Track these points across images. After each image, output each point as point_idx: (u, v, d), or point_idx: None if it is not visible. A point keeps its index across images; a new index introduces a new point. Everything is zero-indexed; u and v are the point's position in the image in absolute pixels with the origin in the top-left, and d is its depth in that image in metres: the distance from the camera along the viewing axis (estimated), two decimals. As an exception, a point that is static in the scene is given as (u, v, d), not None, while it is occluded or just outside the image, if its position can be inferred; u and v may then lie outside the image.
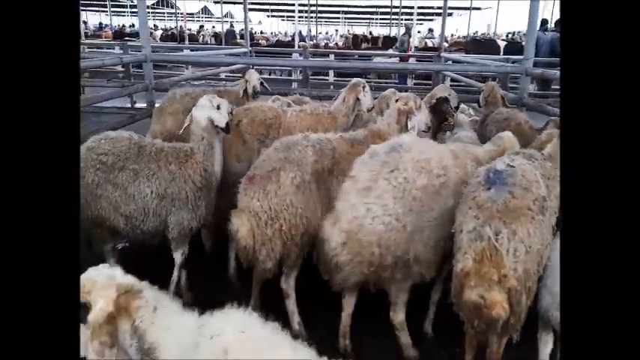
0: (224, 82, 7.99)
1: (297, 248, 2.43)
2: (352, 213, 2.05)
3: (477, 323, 1.89)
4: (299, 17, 32.41)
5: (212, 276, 3.02)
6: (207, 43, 20.56)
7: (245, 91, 4.16)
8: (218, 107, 2.57)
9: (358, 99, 3.10)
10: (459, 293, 1.88)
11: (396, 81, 12.58)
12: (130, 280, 1.23)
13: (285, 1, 25.59)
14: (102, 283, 1.18)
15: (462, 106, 3.95)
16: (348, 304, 2.36)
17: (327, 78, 12.49)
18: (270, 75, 11.33)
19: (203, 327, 1.13)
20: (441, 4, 23.40)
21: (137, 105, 6.99)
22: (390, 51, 14.99)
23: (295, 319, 2.56)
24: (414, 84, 10.66)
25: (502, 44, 13.86)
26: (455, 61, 8.11)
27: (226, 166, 2.72)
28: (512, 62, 6.99)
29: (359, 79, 3.21)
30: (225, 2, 21.81)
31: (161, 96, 4.24)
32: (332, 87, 11.90)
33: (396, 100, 2.74)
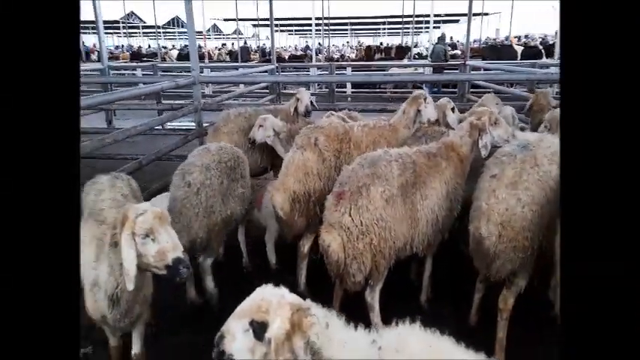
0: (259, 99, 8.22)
1: (386, 261, 2.50)
2: (503, 205, 2.27)
3: None
4: (308, 30, 32.92)
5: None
6: (223, 61, 21.03)
7: (295, 109, 4.31)
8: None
9: (419, 111, 3.19)
10: None
11: (411, 91, 12.68)
12: (297, 298, 1.32)
13: (294, 15, 26.11)
14: (277, 303, 1.26)
15: (508, 108, 3.99)
16: None
17: (344, 90, 12.70)
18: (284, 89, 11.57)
19: (377, 342, 1.20)
20: (449, 10, 23.32)
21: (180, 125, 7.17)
22: (405, 61, 15.17)
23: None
24: (434, 92, 10.75)
25: (519, 49, 13.89)
26: (485, 69, 8.16)
27: (310, 185, 2.82)
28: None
29: (420, 91, 3.29)
30: (242, 20, 22.29)
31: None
32: (349, 99, 12.13)
33: (466, 113, 2.82)
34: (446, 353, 1.14)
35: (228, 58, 21.58)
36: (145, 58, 19.88)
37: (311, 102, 4.22)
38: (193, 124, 5.75)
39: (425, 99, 3.21)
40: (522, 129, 4.01)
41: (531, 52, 13.65)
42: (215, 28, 38.41)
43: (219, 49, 25.10)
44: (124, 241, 1.79)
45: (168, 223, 1.87)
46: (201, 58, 19.60)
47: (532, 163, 2.34)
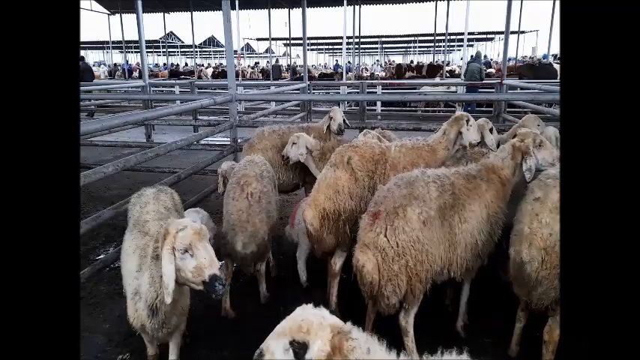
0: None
1: (422, 285, 2.42)
2: (547, 230, 2.21)
3: None
4: (338, 49, 33.42)
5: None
6: (257, 79, 21.68)
7: (328, 127, 4.34)
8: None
9: (460, 132, 3.12)
10: None
11: (444, 108, 12.53)
12: (338, 320, 1.29)
13: (324, 34, 26.68)
14: (317, 324, 1.24)
15: (551, 129, 3.84)
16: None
17: (374, 108, 12.73)
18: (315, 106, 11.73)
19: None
20: (483, 28, 23.01)
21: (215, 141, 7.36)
22: (437, 79, 15.05)
23: (415, 357, 2.52)
24: (468, 111, 10.56)
25: (558, 68, 13.47)
26: (522, 88, 7.95)
27: (341, 204, 2.81)
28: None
29: (462, 112, 3.22)
30: (275, 39, 23.00)
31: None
32: (379, 117, 12.12)
33: (514, 136, 2.74)
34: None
35: (261, 76, 22.25)
36: (182, 76, 20.81)
37: (344, 120, 4.24)
38: (227, 139, 5.91)
39: (467, 120, 3.14)
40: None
41: (570, 71, 13.13)
42: (248, 47, 39.80)
43: (253, 68, 25.95)
44: (165, 255, 1.84)
45: (206, 240, 1.91)
46: (236, 76, 20.29)
47: None
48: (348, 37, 15.13)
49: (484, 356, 1.21)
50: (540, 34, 24.51)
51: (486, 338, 2.84)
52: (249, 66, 27.68)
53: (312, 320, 1.26)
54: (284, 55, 36.31)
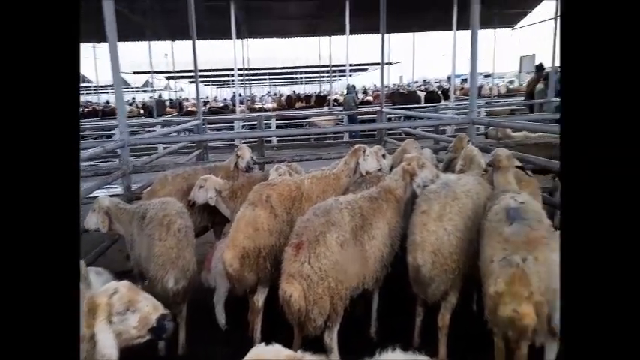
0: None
1: (342, 302, 2.68)
2: (433, 237, 2.66)
3: (510, 334, 2.32)
4: (225, 81, 33.20)
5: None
6: (136, 115, 20.22)
7: (236, 165, 4.41)
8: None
9: (358, 162, 3.54)
10: (494, 311, 2.30)
11: (333, 135, 13.65)
12: (290, 351, 1.41)
13: (210, 66, 26.49)
14: None
15: (427, 151, 4.59)
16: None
17: (270, 139, 13.07)
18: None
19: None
20: (359, 61, 25.63)
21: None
22: (326, 109, 16.23)
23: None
24: (353, 136, 11.66)
25: (422, 94, 15.85)
26: (407, 117, 9.10)
27: (261, 241, 2.93)
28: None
29: (361, 145, 3.66)
30: (156, 72, 21.92)
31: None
32: (275, 148, 12.53)
33: (401, 161, 3.23)
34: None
35: (142, 112, 20.88)
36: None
37: (252, 157, 4.37)
38: (119, 188, 5.43)
39: (364, 151, 3.58)
40: (436, 167, 4.63)
41: (432, 97, 15.70)
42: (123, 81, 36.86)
43: (131, 104, 24.14)
44: (102, 328, 1.74)
45: (139, 290, 1.87)
46: (111, 114, 18.40)
47: (453, 197, 2.83)
48: (238, 69, 15.37)
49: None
50: (404, 65, 28.37)
51: (393, 336, 3.17)
52: (133, 99, 25.66)
53: (267, 358, 1.36)
54: (165, 88, 34.66)
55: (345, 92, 14.09)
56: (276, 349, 1.41)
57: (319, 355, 1.46)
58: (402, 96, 15.85)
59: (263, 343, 1.45)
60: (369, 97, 18.94)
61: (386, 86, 23.95)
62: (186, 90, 38.92)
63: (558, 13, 10.35)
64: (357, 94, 16.06)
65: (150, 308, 1.84)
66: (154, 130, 9.57)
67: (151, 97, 26.66)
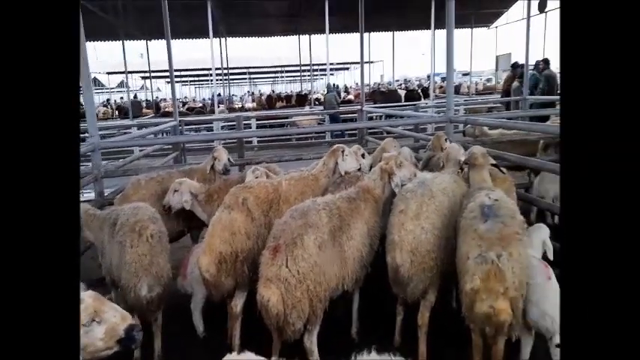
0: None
1: (322, 304, 2.64)
2: (411, 236, 2.66)
3: (487, 329, 2.34)
4: (204, 80, 32.67)
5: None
6: (111, 117, 19.68)
7: (212, 167, 4.31)
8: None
9: (337, 163, 3.52)
10: (471, 308, 2.32)
11: (315, 135, 13.64)
12: (262, 359, 1.37)
13: (187, 66, 26.05)
14: None
15: (406, 149, 4.61)
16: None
17: (251, 140, 12.93)
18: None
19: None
20: (340, 60, 25.65)
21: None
22: (307, 108, 16.18)
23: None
24: (337, 135, 11.66)
25: (402, 93, 15.98)
26: (387, 116, 9.13)
27: (238, 245, 2.87)
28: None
29: (339, 145, 3.63)
30: (131, 72, 21.40)
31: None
32: (256, 149, 12.41)
33: (380, 160, 3.23)
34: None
35: (117, 113, 20.35)
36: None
37: (228, 159, 4.29)
38: (91, 193, 5.26)
39: (343, 151, 3.55)
40: (416, 165, 4.66)
41: (412, 95, 15.85)
42: (96, 82, 35.75)
43: (105, 106, 23.46)
44: None
45: (105, 300, 1.79)
46: (84, 116, 17.95)
47: (429, 195, 2.83)
48: (216, 69, 15.14)
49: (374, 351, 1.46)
50: (385, 64, 28.60)
51: (374, 335, 3.16)
52: (101, 103, 24.83)
53: None
54: (141, 88, 33.78)
55: (326, 91, 14.05)
56: (248, 357, 1.37)
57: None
58: (382, 95, 15.96)
59: (235, 352, 1.41)
60: (351, 96, 18.99)
61: (367, 85, 24.13)
62: (163, 90, 38.07)
63: (531, 14, 10.58)
64: (338, 93, 16.11)
65: (117, 319, 1.76)
66: (129, 132, 9.32)
67: (121, 98, 25.89)
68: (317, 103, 17.26)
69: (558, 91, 8.52)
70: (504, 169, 3.54)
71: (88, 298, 1.74)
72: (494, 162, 3.24)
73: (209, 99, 24.79)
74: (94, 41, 17.36)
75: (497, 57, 19.32)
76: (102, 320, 1.74)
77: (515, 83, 10.04)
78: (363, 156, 3.94)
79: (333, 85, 14.68)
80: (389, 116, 10.62)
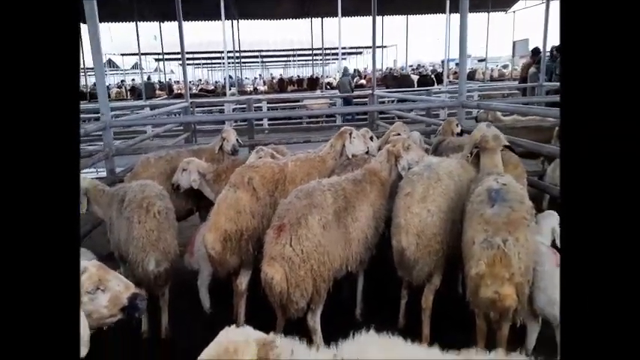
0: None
1: (325, 284, 2.66)
2: (417, 218, 2.64)
3: (492, 315, 2.33)
4: (217, 63, 32.53)
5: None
6: (124, 98, 19.79)
7: (221, 147, 4.33)
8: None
9: (344, 145, 3.48)
10: (476, 293, 2.30)
11: (326, 119, 13.53)
12: (261, 334, 1.38)
13: (200, 48, 25.92)
14: (243, 343, 1.30)
15: (415, 133, 4.54)
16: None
17: (262, 123, 12.94)
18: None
19: (337, 355, 1.32)
20: (352, 43, 25.22)
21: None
22: (318, 92, 16.04)
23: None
24: (347, 119, 11.55)
25: (415, 78, 15.67)
26: (399, 100, 8.96)
27: (243, 223, 2.89)
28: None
29: (347, 127, 3.59)
30: (144, 54, 21.39)
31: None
32: (267, 131, 12.38)
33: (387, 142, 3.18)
34: (400, 350, 1.32)
35: (130, 96, 20.45)
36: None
37: (237, 140, 4.29)
38: (103, 171, 5.34)
39: (350, 134, 3.51)
40: (427, 150, 4.60)
41: (425, 81, 15.54)
42: (111, 64, 35.86)
43: (119, 87, 23.58)
44: None
45: (109, 269, 1.83)
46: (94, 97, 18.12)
47: (436, 179, 2.79)
48: (228, 52, 15.05)
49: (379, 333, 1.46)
50: (399, 48, 28.03)
51: (381, 319, 3.19)
52: (111, 86, 24.84)
53: (237, 340, 1.33)
54: (155, 70, 33.81)
55: (341, 75, 13.90)
56: (247, 331, 1.38)
57: (293, 338, 1.43)
58: (395, 79, 15.68)
59: (234, 326, 1.42)
60: (362, 81, 18.71)
61: (379, 70, 23.75)
62: (176, 72, 38.05)
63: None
64: (353, 77, 15.90)
65: (121, 287, 1.80)
66: (141, 113, 9.39)
67: (133, 80, 25.86)
68: (328, 87, 17.10)
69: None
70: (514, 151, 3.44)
71: (92, 267, 1.78)
72: (507, 143, 3.13)
73: (222, 82, 24.73)
74: (108, 22, 17.36)
75: (514, 42, 18.73)
76: (106, 288, 1.78)
77: (533, 69, 9.76)
78: (371, 139, 3.90)
79: (346, 69, 14.47)
80: (400, 101, 10.46)
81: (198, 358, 1.34)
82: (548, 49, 9.35)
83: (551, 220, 2.83)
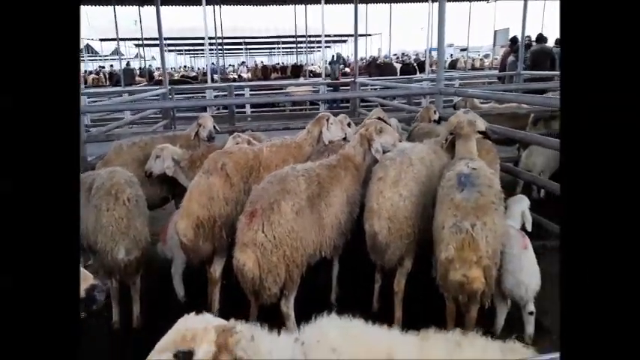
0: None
1: (298, 269, 2.66)
2: (389, 202, 2.65)
3: (461, 297, 2.38)
4: (200, 50, 31.87)
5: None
6: (102, 85, 19.23)
7: (197, 134, 4.24)
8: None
9: (322, 131, 3.46)
10: (445, 276, 2.34)
11: (309, 106, 13.45)
12: (222, 321, 1.37)
13: (182, 34, 25.28)
14: (202, 329, 1.28)
15: (393, 120, 4.55)
16: None
17: (244, 110, 12.76)
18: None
19: (299, 339, 1.32)
20: (337, 31, 25.00)
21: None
22: (302, 79, 15.88)
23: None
24: (332, 107, 11.50)
25: (398, 66, 15.67)
26: (371, 86, 9.00)
27: (216, 210, 2.84)
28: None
29: (324, 112, 3.55)
30: (123, 39, 20.75)
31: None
32: (249, 119, 12.22)
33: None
34: (360, 333, 1.32)
35: (108, 83, 19.87)
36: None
37: (214, 126, 4.21)
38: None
39: (328, 120, 3.48)
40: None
41: (408, 69, 15.56)
42: (89, 49, 34.68)
43: (97, 74, 22.84)
44: None
45: None
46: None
47: (408, 163, 2.81)
48: (210, 38, 14.71)
49: (353, 316, 1.46)
50: (383, 37, 27.93)
51: (355, 304, 3.22)
52: (88, 72, 24.07)
53: (195, 327, 1.30)
54: (136, 57, 32.91)
55: (331, 61, 13.98)
56: (206, 318, 1.36)
57: (252, 324, 1.42)
58: (378, 68, 15.63)
59: (193, 313, 1.40)
60: (346, 69, 18.63)
61: (362, 58, 23.63)
62: (157, 59, 37.01)
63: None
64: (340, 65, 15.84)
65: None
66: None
67: (112, 66, 25.05)
68: (312, 74, 16.93)
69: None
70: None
71: None
72: (482, 129, 3.15)
73: (204, 68, 24.26)
74: (85, 5, 16.72)
75: (495, 32, 18.86)
76: None
77: (511, 58, 9.87)
78: (349, 125, 3.88)
79: (338, 56, 14.48)
80: (383, 89, 10.46)
81: (156, 345, 1.31)
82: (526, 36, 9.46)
83: (521, 204, 2.89)
